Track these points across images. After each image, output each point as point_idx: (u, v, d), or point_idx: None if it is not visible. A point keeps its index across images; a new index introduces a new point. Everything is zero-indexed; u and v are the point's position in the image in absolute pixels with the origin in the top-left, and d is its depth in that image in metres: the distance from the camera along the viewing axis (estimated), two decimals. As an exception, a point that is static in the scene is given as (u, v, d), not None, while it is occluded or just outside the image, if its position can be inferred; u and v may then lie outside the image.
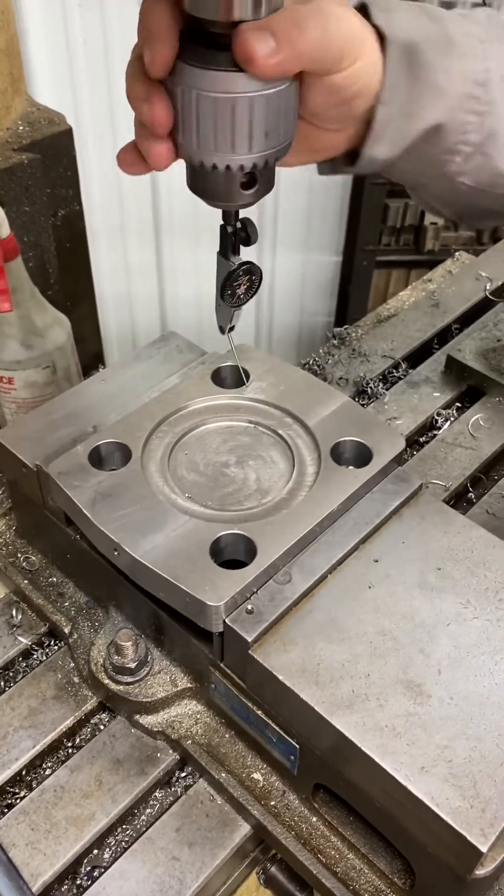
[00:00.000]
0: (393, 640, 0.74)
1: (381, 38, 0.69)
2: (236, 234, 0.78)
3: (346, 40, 0.66)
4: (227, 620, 0.74)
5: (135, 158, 0.71)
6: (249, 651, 0.73)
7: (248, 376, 0.95)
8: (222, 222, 0.78)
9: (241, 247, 0.80)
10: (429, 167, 0.77)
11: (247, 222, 0.78)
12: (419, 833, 0.68)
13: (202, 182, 0.71)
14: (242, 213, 0.78)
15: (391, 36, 0.69)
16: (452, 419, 1.20)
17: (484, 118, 0.73)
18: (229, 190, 0.71)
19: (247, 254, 0.81)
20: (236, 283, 0.81)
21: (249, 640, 0.73)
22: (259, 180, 0.71)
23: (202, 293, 2.38)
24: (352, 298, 2.59)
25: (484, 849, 0.62)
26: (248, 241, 0.79)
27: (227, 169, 0.68)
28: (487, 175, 0.76)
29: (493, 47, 0.73)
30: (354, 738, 0.68)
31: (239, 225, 0.78)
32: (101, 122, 2.03)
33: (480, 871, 0.66)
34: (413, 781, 0.65)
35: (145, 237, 2.32)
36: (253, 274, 0.82)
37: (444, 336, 1.36)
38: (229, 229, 0.78)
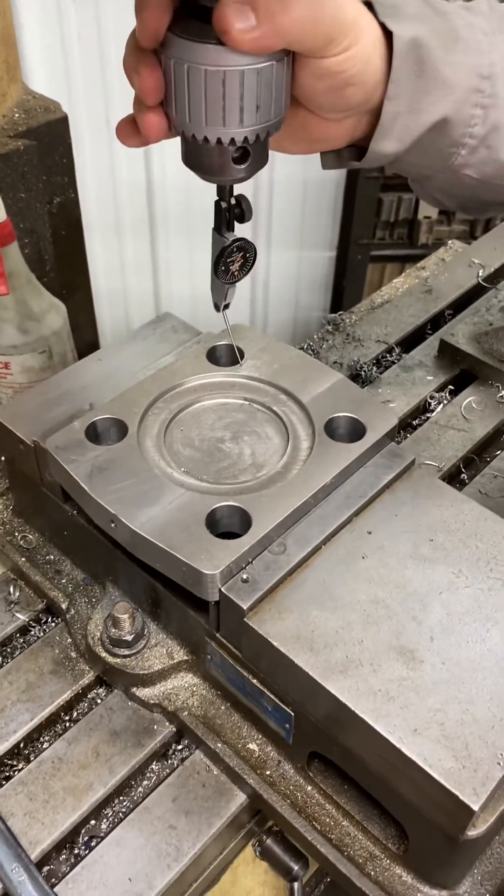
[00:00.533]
0: (386, 609, 0.75)
1: (388, 34, 0.69)
2: (230, 210, 0.79)
3: (338, 25, 0.65)
4: (222, 589, 0.75)
5: (131, 130, 0.71)
6: (245, 619, 0.74)
7: (242, 354, 0.96)
8: (217, 197, 0.78)
9: (237, 223, 0.81)
10: (434, 160, 0.77)
11: (241, 199, 0.79)
12: (412, 795, 0.69)
13: (196, 156, 0.72)
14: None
15: (398, 32, 0.69)
16: (445, 402, 1.21)
17: (488, 111, 0.74)
18: (222, 164, 0.72)
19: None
20: (230, 260, 0.81)
21: (245, 607, 0.74)
22: (252, 155, 0.72)
23: (197, 289, 2.39)
24: (346, 293, 2.61)
25: (475, 807, 0.63)
26: (243, 218, 0.80)
27: (218, 142, 0.68)
28: (492, 167, 0.77)
29: (496, 39, 0.73)
30: (348, 702, 0.69)
31: (233, 201, 0.79)
32: (96, 118, 2.03)
33: (472, 832, 0.67)
34: (406, 743, 0.66)
35: (140, 233, 2.32)
36: (247, 251, 0.82)
37: (437, 322, 1.37)
38: (223, 205, 0.78)
